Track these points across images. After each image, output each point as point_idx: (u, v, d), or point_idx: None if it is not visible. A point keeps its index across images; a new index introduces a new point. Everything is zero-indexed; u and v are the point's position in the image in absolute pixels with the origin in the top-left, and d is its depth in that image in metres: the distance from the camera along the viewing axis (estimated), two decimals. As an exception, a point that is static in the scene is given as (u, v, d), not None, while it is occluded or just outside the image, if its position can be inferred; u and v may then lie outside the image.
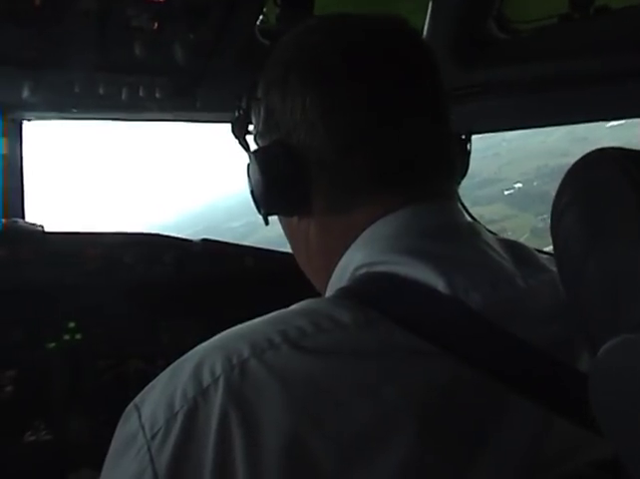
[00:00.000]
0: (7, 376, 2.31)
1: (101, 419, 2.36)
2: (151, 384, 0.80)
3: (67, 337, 2.40)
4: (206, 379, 0.72)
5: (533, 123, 2.26)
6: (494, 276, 0.84)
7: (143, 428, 0.73)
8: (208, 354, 0.76)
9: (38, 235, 2.40)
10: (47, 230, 2.42)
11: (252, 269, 2.59)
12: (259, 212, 1.06)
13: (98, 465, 2.12)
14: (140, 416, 0.75)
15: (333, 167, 0.92)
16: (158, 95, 1.96)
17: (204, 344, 0.81)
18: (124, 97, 1.94)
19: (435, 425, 0.68)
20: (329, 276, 0.98)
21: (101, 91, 1.91)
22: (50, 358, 2.38)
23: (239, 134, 1.14)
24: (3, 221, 2.34)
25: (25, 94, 1.86)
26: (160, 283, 2.51)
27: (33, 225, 2.42)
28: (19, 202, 2.51)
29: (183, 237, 2.62)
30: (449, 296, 0.79)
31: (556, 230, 0.69)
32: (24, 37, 1.67)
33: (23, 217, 2.53)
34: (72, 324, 2.41)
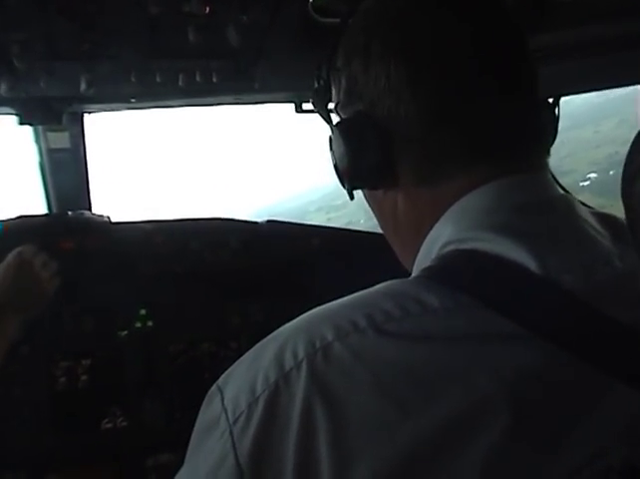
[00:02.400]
0: (82, 366, 2.38)
1: (176, 404, 2.40)
2: (234, 365, 0.80)
3: (138, 325, 2.45)
4: (289, 363, 0.72)
5: (602, 84, 2.17)
6: (590, 256, 0.79)
7: (225, 411, 0.73)
8: (291, 337, 0.76)
9: (105, 225, 2.43)
10: (113, 220, 2.45)
11: (319, 249, 2.56)
12: (343, 186, 1.03)
13: (175, 449, 2.15)
14: (222, 399, 0.75)
15: (421, 137, 0.88)
16: (215, 79, 1.92)
17: (287, 326, 0.80)
18: (181, 83, 1.92)
19: (527, 411, 0.65)
20: (417, 251, 0.94)
21: (157, 79, 1.89)
22: (123, 346, 2.44)
23: (320, 105, 1.07)
24: (70, 213, 2.37)
25: (82, 87, 1.85)
26: (228, 267, 2.53)
27: (100, 216, 2.45)
28: (85, 194, 2.54)
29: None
30: (542, 278, 0.75)
31: (629, 196, 0.66)
32: (76, 31, 1.66)
33: (89, 208, 2.56)
34: (143, 312, 2.45)
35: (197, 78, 1.91)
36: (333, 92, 1.03)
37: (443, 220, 0.88)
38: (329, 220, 29.47)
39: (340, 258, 2.45)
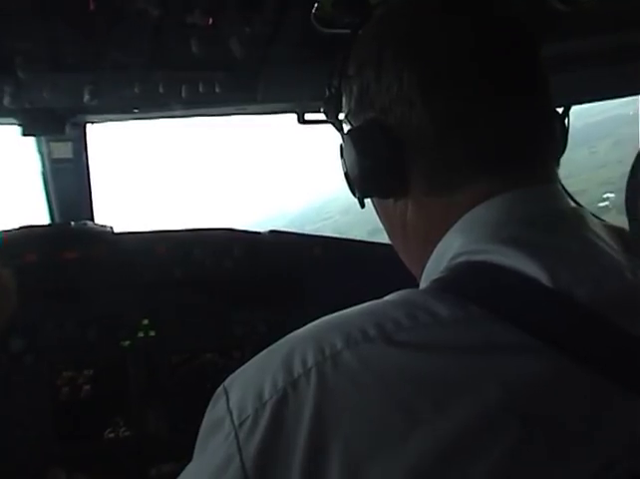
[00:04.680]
0: (85, 375, 2.37)
1: (179, 413, 2.40)
2: (241, 368, 0.81)
3: (141, 335, 2.45)
4: (297, 370, 0.72)
5: (613, 93, 2.17)
6: (601, 269, 0.79)
7: (230, 413, 0.74)
8: (300, 344, 0.76)
9: (108, 235, 2.43)
10: (116, 230, 2.45)
11: (321, 259, 2.56)
12: (354, 194, 1.03)
13: (178, 459, 2.13)
14: (228, 400, 0.76)
15: (433, 146, 0.88)
16: (217, 90, 1.93)
17: (296, 333, 0.80)
18: (183, 94, 1.92)
19: (537, 423, 0.66)
20: (425, 259, 0.94)
21: (160, 89, 1.90)
22: (125, 356, 2.44)
23: (332, 113, 1.08)
24: (73, 223, 2.37)
25: (86, 98, 1.86)
26: (231, 276, 2.52)
27: (102, 226, 2.45)
28: (87, 204, 2.54)
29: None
30: (553, 290, 0.75)
31: (632, 205, 0.69)
32: (81, 41, 1.66)
33: (92, 218, 2.56)
34: (145, 322, 2.44)
35: (200, 89, 1.92)
36: (344, 100, 1.03)
37: (453, 231, 0.89)
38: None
39: (342, 268, 2.46)
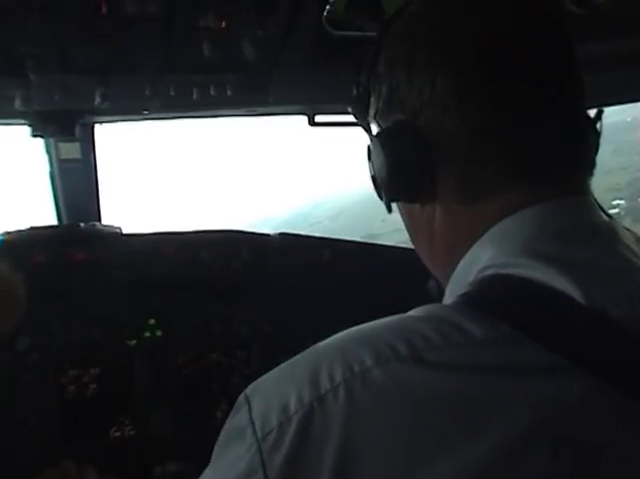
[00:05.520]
0: (91, 374, 2.37)
1: (184, 413, 2.39)
2: (263, 377, 0.79)
3: (147, 334, 2.45)
4: (324, 385, 0.71)
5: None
6: (635, 285, 0.77)
7: (252, 424, 0.72)
8: (326, 358, 0.74)
9: (116, 237, 2.42)
10: (125, 231, 2.44)
11: (330, 262, 2.55)
12: (380, 198, 1.00)
13: (183, 458, 2.13)
14: (250, 410, 0.74)
15: (465, 152, 0.86)
16: (229, 92, 1.92)
17: (321, 345, 0.79)
18: (195, 96, 1.91)
19: (569, 445, 0.65)
20: (451, 269, 0.92)
21: (171, 92, 1.89)
22: (131, 355, 2.43)
23: (360, 113, 1.05)
24: (82, 225, 2.36)
25: (97, 101, 1.85)
26: (239, 278, 2.52)
27: (111, 227, 2.44)
28: (95, 204, 2.53)
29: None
30: (587, 308, 0.72)
31: None
32: (92, 45, 1.65)
33: (99, 218, 2.55)
34: (152, 321, 2.44)
35: (212, 92, 1.90)
36: (372, 99, 1.00)
37: (482, 242, 0.86)
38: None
39: (351, 271, 2.46)
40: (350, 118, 2.18)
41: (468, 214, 0.89)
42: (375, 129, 1.00)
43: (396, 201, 1.00)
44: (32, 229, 2.40)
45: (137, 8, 1.53)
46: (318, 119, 2.14)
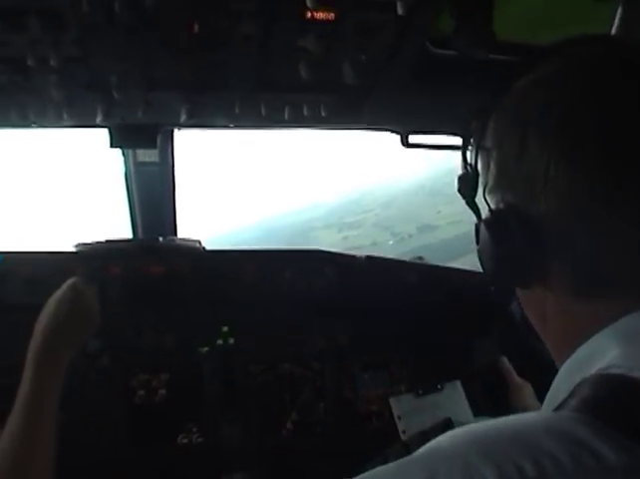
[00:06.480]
0: (160, 380, 2.35)
1: (253, 423, 2.36)
2: (379, 470, 0.74)
3: (220, 342, 2.42)
4: None
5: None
6: None
7: None
8: (444, 466, 0.68)
9: (197, 251, 2.37)
10: (206, 247, 2.42)
11: (415, 286, 2.48)
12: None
13: (249, 468, 2.11)
14: None
15: (580, 242, 0.80)
16: (323, 113, 1.81)
17: (441, 449, 0.72)
18: (287, 116, 1.81)
19: None
20: (564, 356, 0.85)
21: (262, 111, 1.79)
22: (203, 362, 2.40)
23: (468, 194, 0.99)
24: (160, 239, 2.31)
25: (183, 117, 1.75)
26: (320, 296, 2.47)
27: (190, 241, 2.39)
28: (171, 216, 2.46)
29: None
30: None
31: None
32: (183, 63, 1.58)
33: (175, 230, 2.49)
34: (225, 329, 2.40)
35: (305, 111, 1.80)
36: (480, 172, 0.95)
37: (604, 336, 0.79)
38: (345, 238, 28.76)
39: (434, 296, 2.40)
40: (443, 139, 2.09)
41: (584, 307, 0.83)
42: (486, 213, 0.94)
43: (504, 285, 0.99)
44: (108, 241, 2.37)
45: (231, 27, 1.45)
46: (412, 139, 2.02)
